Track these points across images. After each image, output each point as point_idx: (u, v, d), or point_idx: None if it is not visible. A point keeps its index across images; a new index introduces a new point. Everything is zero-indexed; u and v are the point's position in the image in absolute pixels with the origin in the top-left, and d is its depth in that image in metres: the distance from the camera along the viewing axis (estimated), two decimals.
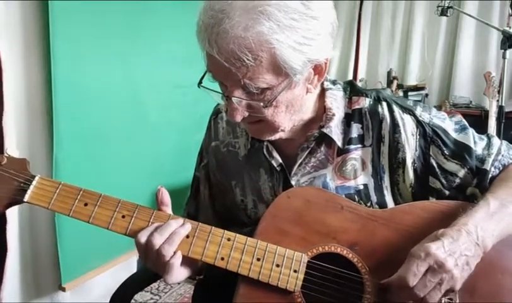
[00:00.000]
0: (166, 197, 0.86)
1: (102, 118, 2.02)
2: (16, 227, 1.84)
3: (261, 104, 0.80)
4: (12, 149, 1.72)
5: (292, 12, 0.74)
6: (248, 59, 0.73)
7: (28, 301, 1.93)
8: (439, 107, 3.33)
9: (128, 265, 2.36)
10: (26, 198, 0.81)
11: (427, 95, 3.54)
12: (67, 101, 1.82)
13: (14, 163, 0.83)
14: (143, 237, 0.80)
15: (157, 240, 0.79)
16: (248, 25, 0.72)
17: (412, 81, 3.68)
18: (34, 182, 0.82)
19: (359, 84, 3.65)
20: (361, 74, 3.84)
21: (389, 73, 3.62)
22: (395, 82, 3.54)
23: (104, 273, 2.18)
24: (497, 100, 2.65)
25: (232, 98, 0.80)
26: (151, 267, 0.84)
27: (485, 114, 2.98)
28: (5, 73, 1.69)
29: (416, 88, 3.55)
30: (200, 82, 0.83)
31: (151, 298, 2.41)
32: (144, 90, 2.25)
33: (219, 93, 0.83)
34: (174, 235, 0.80)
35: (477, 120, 3.05)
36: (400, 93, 3.48)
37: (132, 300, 1.24)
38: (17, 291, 1.89)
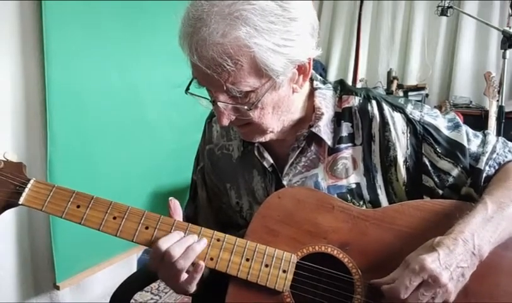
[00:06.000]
0: (178, 208, 0.86)
1: (99, 119, 2.01)
2: (14, 226, 1.85)
3: (246, 107, 0.80)
4: (8, 149, 1.72)
5: (269, 15, 0.74)
6: (228, 65, 0.74)
7: (27, 300, 1.94)
8: (439, 107, 3.32)
9: (127, 264, 2.36)
10: (21, 201, 0.83)
11: (427, 95, 3.54)
12: (62, 101, 1.82)
13: (11, 167, 0.86)
14: (163, 246, 0.80)
15: (175, 253, 0.79)
16: (226, 31, 0.73)
17: (412, 81, 3.69)
18: (29, 185, 0.84)
19: (359, 84, 3.68)
20: (361, 74, 3.83)
21: (389, 73, 3.63)
22: (395, 82, 3.55)
23: (103, 271, 2.18)
24: (497, 100, 2.64)
25: (218, 103, 0.80)
26: (162, 279, 0.85)
27: (485, 114, 2.97)
28: (3, 74, 1.70)
29: (416, 88, 3.55)
30: (188, 88, 0.84)
31: (151, 298, 2.41)
32: (142, 90, 2.25)
33: (206, 98, 0.84)
34: (191, 250, 0.80)
35: (477, 120, 3.05)
36: (400, 93, 3.48)
37: (132, 300, 1.24)
38: (16, 291, 1.89)
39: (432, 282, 0.73)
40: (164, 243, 0.80)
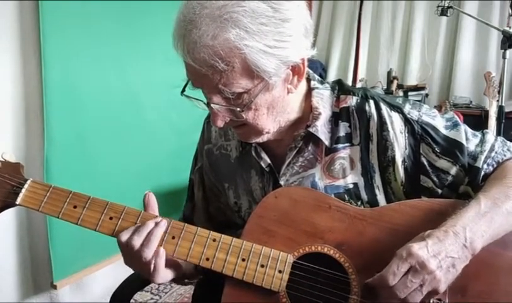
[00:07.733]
0: (152, 201, 0.87)
1: (97, 120, 2.02)
2: (14, 227, 1.86)
3: (238, 109, 0.80)
4: (8, 149, 1.73)
5: (260, 17, 0.74)
6: (219, 66, 0.74)
7: (27, 299, 1.95)
8: (439, 107, 3.32)
9: None
10: (18, 201, 0.83)
11: (427, 95, 3.53)
12: (60, 102, 1.83)
13: (8, 168, 0.86)
14: (123, 239, 0.81)
15: (136, 242, 0.80)
16: (215, 33, 0.73)
17: (412, 81, 3.68)
18: (26, 185, 0.84)
19: (359, 84, 3.68)
20: (361, 74, 3.82)
21: (389, 73, 3.62)
22: (395, 82, 3.54)
23: (103, 270, 2.18)
24: (497, 100, 2.63)
25: (212, 104, 0.81)
26: (137, 270, 0.85)
27: (485, 114, 2.96)
28: (2, 74, 1.71)
29: (416, 88, 3.54)
30: (184, 90, 0.85)
31: (151, 298, 2.41)
32: (141, 91, 2.25)
33: (201, 100, 0.84)
34: (151, 235, 0.81)
35: (477, 120, 3.04)
36: (400, 93, 3.47)
37: (132, 300, 1.24)
38: (16, 290, 1.91)
39: (419, 268, 0.72)
40: (123, 236, 0.81)
